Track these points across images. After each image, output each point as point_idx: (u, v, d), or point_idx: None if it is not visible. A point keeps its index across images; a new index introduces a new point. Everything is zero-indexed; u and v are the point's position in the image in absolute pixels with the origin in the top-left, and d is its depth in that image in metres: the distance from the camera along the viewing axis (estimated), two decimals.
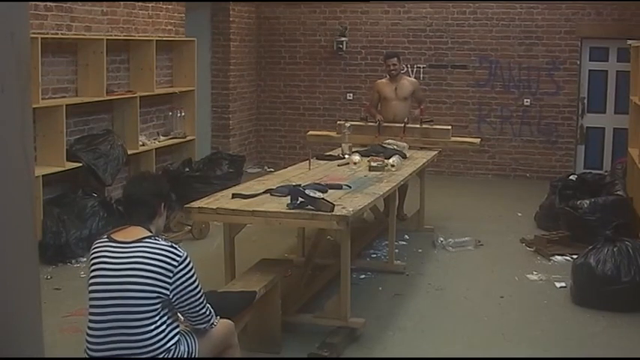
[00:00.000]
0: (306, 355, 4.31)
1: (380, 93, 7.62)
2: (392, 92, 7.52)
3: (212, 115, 10.26)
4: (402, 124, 7.26)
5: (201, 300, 3.10)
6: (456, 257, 6.46)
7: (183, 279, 3.00)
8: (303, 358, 4.31)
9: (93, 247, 3.13)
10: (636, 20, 9.44)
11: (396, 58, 7.54)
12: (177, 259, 2.99)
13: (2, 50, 2.04)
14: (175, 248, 3.03)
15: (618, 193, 6.95)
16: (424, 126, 7.35)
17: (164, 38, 8.37)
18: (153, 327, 2.96)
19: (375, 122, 7.37)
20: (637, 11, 9.48)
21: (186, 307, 3.06)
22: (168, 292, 2.97)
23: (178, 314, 3.13)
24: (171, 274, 2.97)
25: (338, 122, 7.61)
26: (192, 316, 3.12)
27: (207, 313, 3.17)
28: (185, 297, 3.02)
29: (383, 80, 7.71)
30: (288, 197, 4.44)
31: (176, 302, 3.02)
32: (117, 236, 3.09)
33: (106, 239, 3.10)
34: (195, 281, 3.05)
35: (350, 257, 4.64)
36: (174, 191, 6.69)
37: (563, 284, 5.60)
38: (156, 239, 3.05)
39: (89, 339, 3.01)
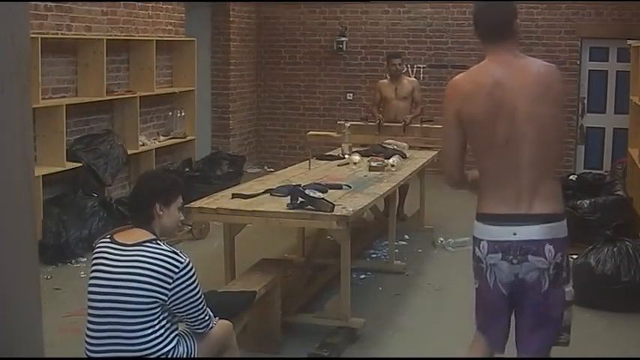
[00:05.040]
0: (306, 355, 4.31)
1: (381, 93, 7.67)
2: (392, 92, 7.57)
3: (212, 115, 10.26)
4: (402, 123, 7.29)
5: (200, 306, 3.06)
6: (456, 257, 6.46)
7: (183, 285, 2.95)
8: (303, 358, 4.31)
9: (95, 247, 3.10)
10: (636, 20, 9.44)
11: (399, 59, 7.63)
12: (179, 265, 2.94)
13: (2, 51, 2.04)
14: (177, 254, 2.97)
15: (618, 193, 6.94)
16: (424, 125, 7.37)
17: (164, 38, 8.37)
18: (150, 331, 2.93)
19: (376, 122, 7.40)
20: (637, 11, 9.48)
21: (185, 312, 3.02)
22: (166, 298, 2.93)
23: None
24: (170, 280, 2.92)
25: (338, 122, 7.62)
26: (190, 321, 3.08)
27: (207, 318, 3.13)
28: (184, 303, 2.98)
29: (384, 81, 7.78)
30: (288, 197, 4.44)
31: (174, 307, 2.98)
32: (119, 237, 3.05)
33: (108, 239, 3.06)
34: (195, 287, 3.00)
35: (350, 257, 4.64)
36: None
37: None
38: (157, 243, 2.99)
39: (88, 340, 3.00)
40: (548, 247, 2.82)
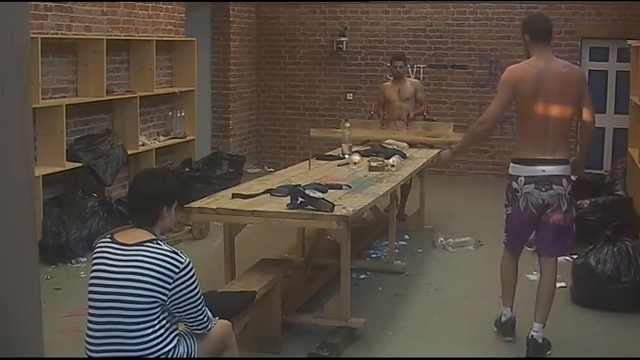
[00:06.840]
0: (306, 355, 4.31)
1: (384, 95, 7.74)
2: (395, 94, 7.65)
3: (212, 115, 10.27)
4: (406, 117, 7.41)
5: (200, 307, 3.05)
6: (456, 257, 6.46)
7: (183, 286, 2.95)
8: (303, 358, 4.31)
9: (95, 247, 3.10)
10: (636, 20, 9.44)
11: (402, 62, 7.73)
12: (179, 265, 2.94)
13: (2, 50, 2.04)
14: (177, 254, 2.97)
15: (618, 193, 6.95)
16: (427, 117, 7.52)
17: (164, 38, 8.38)
18: (151, 331, 2.94)
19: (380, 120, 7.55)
20: (637, 11, 9.48)
21: (184, 313, 3.02)
22: (166, 298, 2.93)
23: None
24: (170, 281, 2.92)
25: (341, 121, 7.65)
26: (189, 321, 3.08)
27: (206, 319, 3.12)
28: (183, 303, 2.98)
29: (387, 83, 7.93)
30: (288, 197, 4.44)
31: (173, 308, 2.98)
32: (119, 237, 3.05)
33: (109, 239, 3.06)
34: (195, 288, 3.00)
35: (350, 257, 4.64)
36: None
37: (563, 284, 5.59)
38: (158, 243, 2.99)
39: (88, 339, 3.00)
40: (564, 180, 4.26)
